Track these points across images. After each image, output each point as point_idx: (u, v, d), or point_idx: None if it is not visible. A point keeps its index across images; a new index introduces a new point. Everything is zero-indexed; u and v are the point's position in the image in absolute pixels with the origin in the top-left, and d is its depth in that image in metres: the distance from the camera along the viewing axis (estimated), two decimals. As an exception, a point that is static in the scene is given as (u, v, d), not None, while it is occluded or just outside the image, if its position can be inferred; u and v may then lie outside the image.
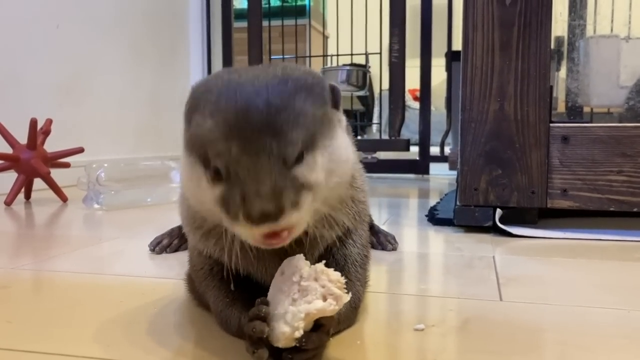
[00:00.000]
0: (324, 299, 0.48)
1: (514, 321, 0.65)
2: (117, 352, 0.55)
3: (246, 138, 0.46)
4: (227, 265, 0.57)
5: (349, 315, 0.60)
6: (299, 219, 0.47)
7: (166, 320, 0.66)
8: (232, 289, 0.58)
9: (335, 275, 0.50)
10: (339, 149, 0.53)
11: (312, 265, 0.51)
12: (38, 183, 1.77)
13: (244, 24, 2.90)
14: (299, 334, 0.47)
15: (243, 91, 0.48)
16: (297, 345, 0.48)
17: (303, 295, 0.49)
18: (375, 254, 1.01)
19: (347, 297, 0.49)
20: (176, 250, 1.01)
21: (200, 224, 0.60)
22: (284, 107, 0.47)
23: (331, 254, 0.62)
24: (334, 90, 0.55)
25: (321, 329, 0.49)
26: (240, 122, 0.47)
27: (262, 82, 0.49)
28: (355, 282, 0.62)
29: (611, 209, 1.15)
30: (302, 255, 0.52)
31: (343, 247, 0.62)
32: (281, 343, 0.48)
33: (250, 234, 0.46)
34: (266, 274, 0.59)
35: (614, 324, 0.65)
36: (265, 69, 0.52)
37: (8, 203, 1.65)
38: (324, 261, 0.52)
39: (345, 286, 0.50)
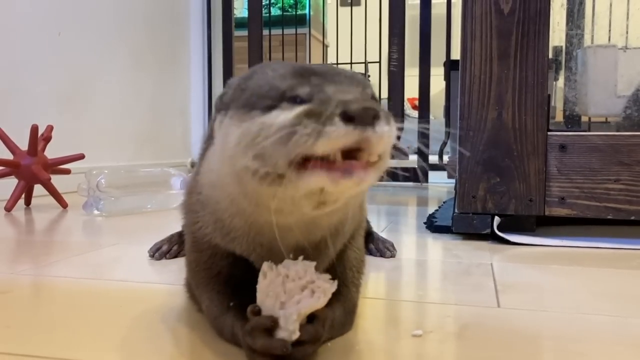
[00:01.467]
0: (312, 293, 0.49)
1: (511, 328, 0.65)
2: (116, 357, 0.55)
3: (328, 74, 0.48)
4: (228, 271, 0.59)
5: (343, 321, 0.60)
6: (388, 143, 0.45)
7: (165, 325, 0.66)
8: (230, 304, 0.57)
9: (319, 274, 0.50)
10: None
11: (293, 264, 0.51)
12: (38, 189, 1.78)
13: (244, 32, 2.92)
14: (295, 336, 0.48)
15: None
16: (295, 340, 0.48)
17: (290, 296, 0.49)
18: (374, 260, 1.02)
19: (333, 287, 0.49)
20: (175, 257, 1.01)
21: (227, 230, 0.58)
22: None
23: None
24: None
25: (316, 320, 0.49)
26: (313, 68, 0.49)
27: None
28: (351, 288, 0.62)
29: (609, 217, 1.16)
30: (286, 260, 0.52)
31: (342, 252, 0.62)
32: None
33: (343, 136, 0.42)
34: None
35: (611, 331, 0.65)
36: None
37: (8, 209, 1.65)
38: (301, 257, 0.52)
39: (330, 277, 0.50)
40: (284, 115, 0.45)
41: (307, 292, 0.49)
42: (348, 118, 0.42)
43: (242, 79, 0.53)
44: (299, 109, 0.45)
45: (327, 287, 0.49)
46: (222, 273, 0.60)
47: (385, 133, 0.44)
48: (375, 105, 0.45)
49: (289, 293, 0.49)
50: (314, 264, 0.50)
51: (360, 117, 0.42)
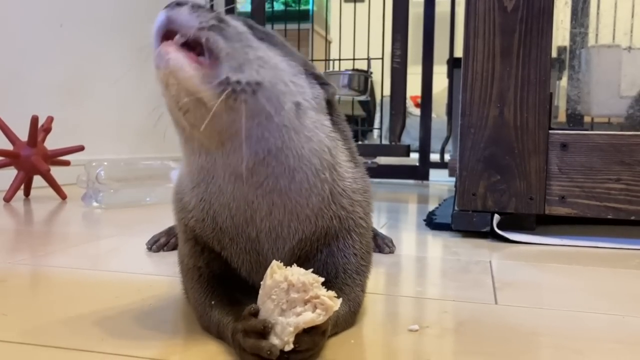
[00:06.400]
0: (314, 308, 0.48)
1: (508, 324, 0.65)
2: (110, 346, 0.55)
3: None
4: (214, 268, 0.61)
5: (348, 319, 0.61)
6: (186, 16, 0.51)
7: (160, 316, 0.66)
8: (212, 302, 0.59)
9: (325, 290, 0.49)
10: (281, 64, 0.55)
11: (303, 274, 0.50)
12: (38, 180, 1.77)
13: (247, 27, 2.91)
14: (288, 347, 0.47)
15: None
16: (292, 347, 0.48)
17: (291, 306, 0.48)
18: (372, 256, 1.01)
19: (336, 306, 0.48)
20: (173, 249, 1.01)
21: (196, 201, 0.61)
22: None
23: (321, 263, 0.61)
24: None
25: (314, 330, 0.49)
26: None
27: None
28: (355, 288, 0.62)
29: (609, 216, 1.15)
30: (295, 265, 0.52)
31: (331, 256, 0.61)
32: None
33: (157, 18, 0.54)
34: (241, 260, 0.61)
35: (608, 329, 0.65)
36: None
37: (7, 199, 1.65)
38: (311, 269, 0.51)
39: (335, 295, 0.49)
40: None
41: (309, 307, 0.48)
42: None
43: None
44: None
45: (330, 304, 0.48)
46: (202, 268, 0.63)
47: (181, 10, 0.52)
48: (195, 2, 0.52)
49: (291, 303, 0.48)
50: (322, 279, 0.50)
51: (168, 4, 0.53)
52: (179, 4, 0.52)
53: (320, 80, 0.60)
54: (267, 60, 0.54)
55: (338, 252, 0.62)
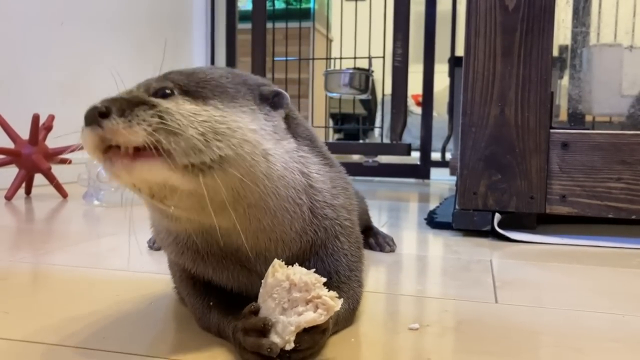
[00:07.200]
0: (315, 308, 0.48)
1: (508, 323, 0.65)
2: (111, 344, 0.55)
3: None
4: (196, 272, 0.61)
5: (347, 317, 0.61)
6: (125, 130, 0.47)
7: (161, 314, 0.66)
8: (210, 303, 0.59)
9: (327, 290, 0.49)
10: (236, 122, 0.52)
11: (305, 274, 0.50)
12: (39, 179, 1.78)
13: (248, 25, 2.91)
14: (289, 346, 0.47)
15: None
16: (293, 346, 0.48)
17: (293, 305, 0.48)
18: (373, 255, 1.01)
19: (337, 307, 0.49)
20: (174, 247, 1.01)
21: (173, 239, 0.63)
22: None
23: (312, 268, 0.61)
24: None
25: (315, 329, 0.49)
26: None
27: None
28: (352, 284, 0.62)
29: (609, 215, 1.15)
30: (296, 265, 0.52)
31: (321, 262, 0.61)
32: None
33: (83, 137, 0.50)
34: (233, 281, 0.60)
35: (609, 328, 0.65)
36: None
37: (8, 198, 1.65)
38: (314, 269, 0.51)
39: (336, 296, 0.49)
40: None
41: (311, 306, 0.48)
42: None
43: None
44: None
45: (331, 305, 0.48)
46: (191, 274, 0.62)
47: (114, 127, 0.48)
48: (109, 103, 0.49)
49: (293, 302, 0.48)
50: (324, 279, 0.50)
51: (86, 118, 0.49)
52: (103, 115, 0.48)
53: (271, 95, 0.58)
54: (223, 131, 0.50)
55: (327, 257, 0.61)
